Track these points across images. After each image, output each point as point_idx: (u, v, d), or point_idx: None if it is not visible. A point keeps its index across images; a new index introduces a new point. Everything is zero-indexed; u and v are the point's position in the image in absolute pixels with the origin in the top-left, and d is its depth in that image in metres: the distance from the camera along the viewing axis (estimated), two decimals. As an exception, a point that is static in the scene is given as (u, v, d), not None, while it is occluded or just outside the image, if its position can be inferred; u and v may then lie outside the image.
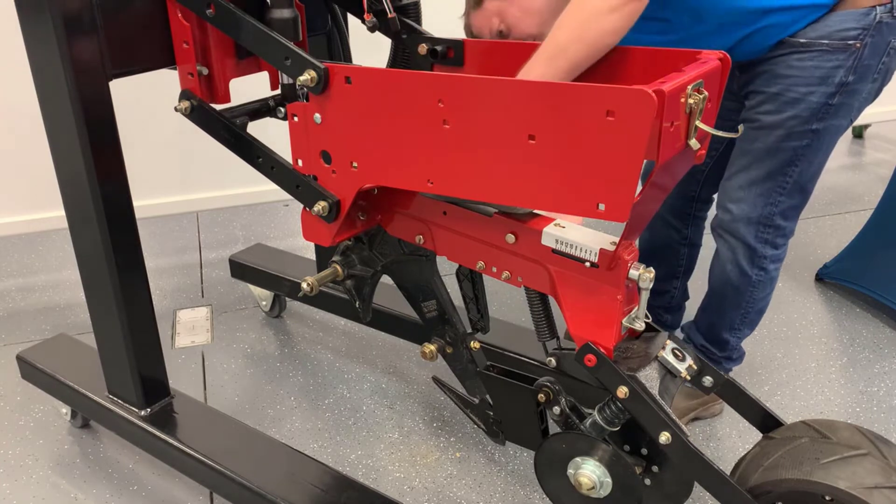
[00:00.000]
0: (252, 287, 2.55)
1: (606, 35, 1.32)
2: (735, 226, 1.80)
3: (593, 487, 1.35)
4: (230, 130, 1.54)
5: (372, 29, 1.63)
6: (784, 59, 1.63)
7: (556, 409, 1.39)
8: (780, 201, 1.75)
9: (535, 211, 1.36)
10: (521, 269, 1.39)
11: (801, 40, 1.60)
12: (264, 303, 2.56)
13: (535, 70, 1.34)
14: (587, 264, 1.28)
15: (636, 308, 1.31)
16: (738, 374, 2.20)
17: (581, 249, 1.28)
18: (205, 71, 1.55)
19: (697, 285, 2.15)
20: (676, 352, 1.39)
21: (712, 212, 1.97)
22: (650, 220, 1.34)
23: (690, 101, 1.14)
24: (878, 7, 1.57)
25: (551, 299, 1.41)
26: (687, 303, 2.26)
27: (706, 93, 1.16)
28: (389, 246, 1.57)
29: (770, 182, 1.73)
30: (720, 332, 1.96)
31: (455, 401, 1.61)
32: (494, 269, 1.42)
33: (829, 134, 1.69)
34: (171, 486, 1.88)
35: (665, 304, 2.20)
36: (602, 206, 1.13)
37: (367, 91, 1.28)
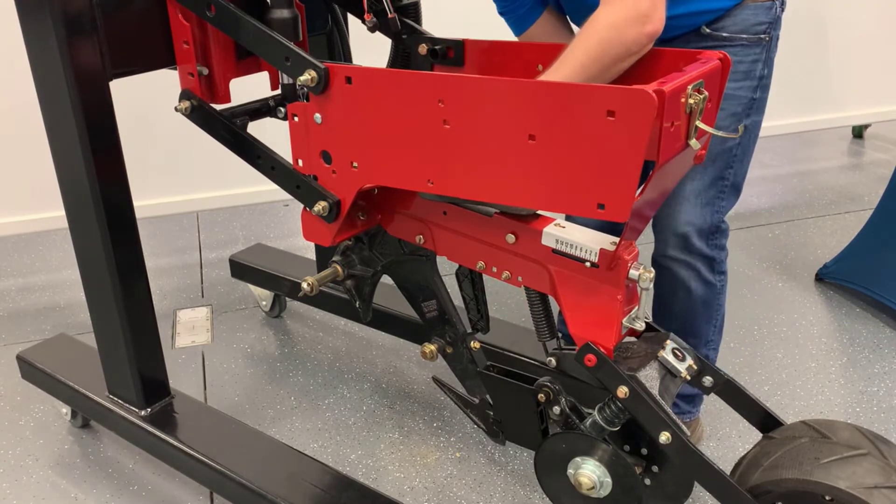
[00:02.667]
0: (252, 287, 2.55)
1: (623, 70, 1.32)
2: (689, 241, 1.77)
3: (593, 487, 1.35)
4: (230, 130, 1.54)
5: (372, 29, 1.63)
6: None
7: (556, 409, 1.39)
8: (722, 206, 1.74)
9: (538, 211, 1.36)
10: (521, 269, 1.39)
11: (724, 34, 1.59)
12: (264, 303, 2.56)
13: None
14: (587, 264, 1.28)
15: (636, 308, 1.31)
16: (738, 374, 2.21)
17: (581, 249, 1.28)
18: (205, 71, 1.55)
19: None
20: (676, 352, 1.39)
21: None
22: (650, 220, 1.34)
23: (691, 101, 1.14)
24: (776, 1, 1.59)
25: (551, 299, 1.41)
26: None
27: (706, 93, 1.16)
28: (389, 246, 1.57)
29: (713, 189, 1.72)
30: (698, 351, 1.94)
31: (455, 401, 1.61)
32: (494, 269, 1.42)
33: (755, 130, 1.70)
34: (171, 486, 1.88)
35: None
36: (602, 206, 1.13)
37: (367, 91, 1.28)
